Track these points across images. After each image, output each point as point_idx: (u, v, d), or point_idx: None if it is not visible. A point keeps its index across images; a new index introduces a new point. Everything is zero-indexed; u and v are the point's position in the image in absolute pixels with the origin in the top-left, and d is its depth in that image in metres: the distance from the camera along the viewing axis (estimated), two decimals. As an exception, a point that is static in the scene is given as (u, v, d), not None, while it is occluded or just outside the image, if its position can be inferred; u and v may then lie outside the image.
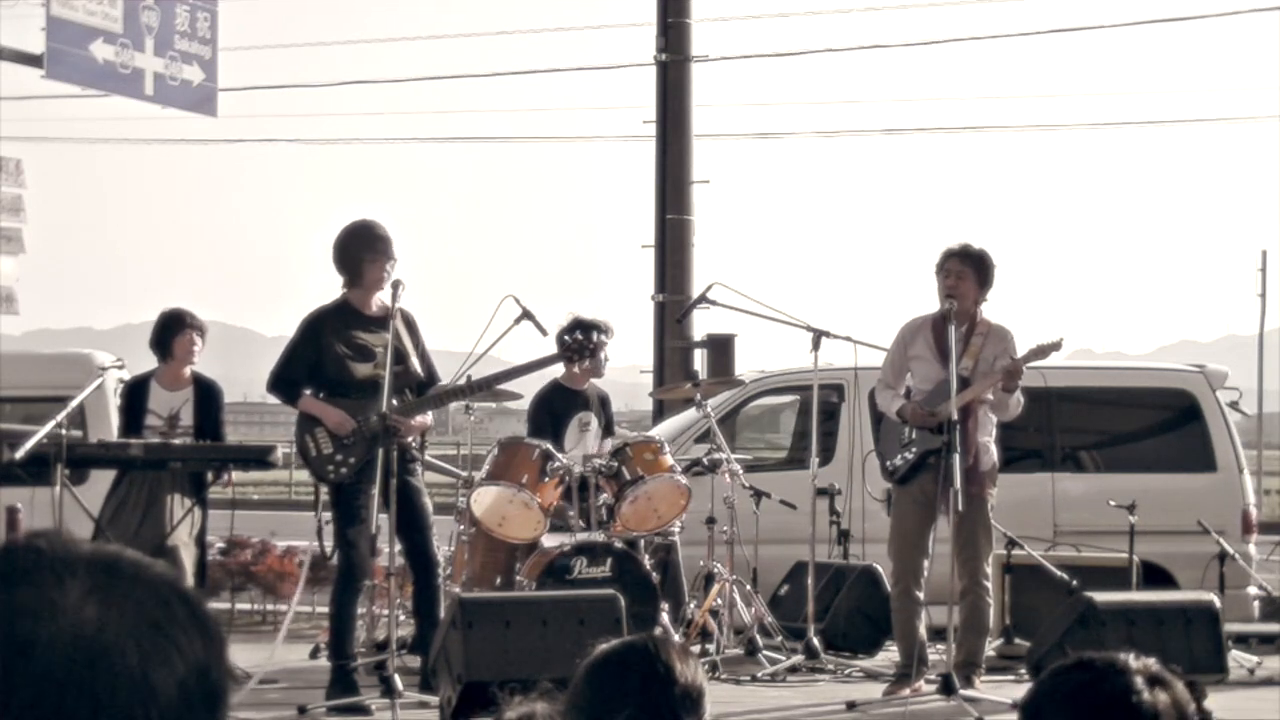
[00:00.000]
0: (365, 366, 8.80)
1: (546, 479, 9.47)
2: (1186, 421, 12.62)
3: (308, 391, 8.86)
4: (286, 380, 8.97)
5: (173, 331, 9.76)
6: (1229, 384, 12.95)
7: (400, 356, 8.82)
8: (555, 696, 2.64)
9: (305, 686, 9.07)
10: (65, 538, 1.37)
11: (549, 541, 9.47)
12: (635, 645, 2.79)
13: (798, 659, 9.89)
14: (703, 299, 11.06)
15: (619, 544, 9.41)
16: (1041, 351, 9.29)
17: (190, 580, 8.95)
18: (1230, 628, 9.62)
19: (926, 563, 9.19)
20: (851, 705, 8.74)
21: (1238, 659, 9.85)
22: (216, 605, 11.58)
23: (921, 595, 9.15)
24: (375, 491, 8.46)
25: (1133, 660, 2.28)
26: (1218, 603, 8.97)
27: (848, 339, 10.52)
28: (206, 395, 9.74)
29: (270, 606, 12.49)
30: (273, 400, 10.17)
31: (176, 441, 9.41)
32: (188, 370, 9.77)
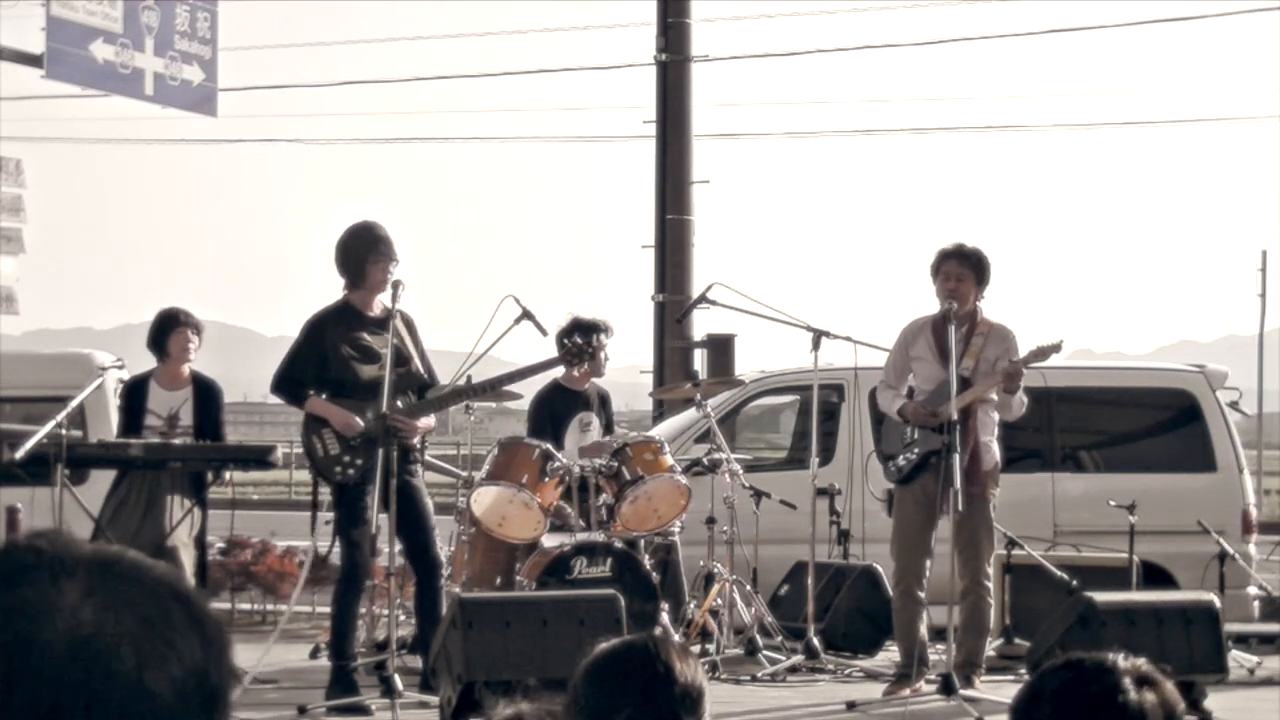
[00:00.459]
0: (370, 368, 8.81)
1: (546, 479, 9.47)
2: (1186, 421, 12.62)
3: (312, 393, 8.86)
4: (291, 381, 8.97)
5: (168, 330, 9.76)
6: (1229, 384, 12.95)
7: (403, 358, 8.82)
8: (540, 695, 2.63)
9: (305, 686, 9.07)
10: (66, 538, 1.37)
11: (549, 541, 9.47)
12: (635, 645, 2.79)
13: (798, 659, 9.89)
14: (703, 299, 11.06)
15: (619, 544, 9.41)
16: (1042, 353, 9.30)
17: (190, 580, 8.94)
18: (1230, 628, 9.61)
19: (928, 563, 9.19)
20: (851, 705, 8.75)
21: (1238, 659, 9.84)
22: (216, 605, 11.58)
23: (923, 595, 9.16)
24: (375, 491, 8.46)
25: (1121, 660, 2.29)
26: (1218, 603, 8.96)
27: (848, 339, 10.53)
28: (206, 395, 9.74)
29: (270, 606, 12.48)
30: (273, 400, 10.18)
31: (176, 441, 9.42)
32: (187, 370, 9.77)
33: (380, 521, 8.59)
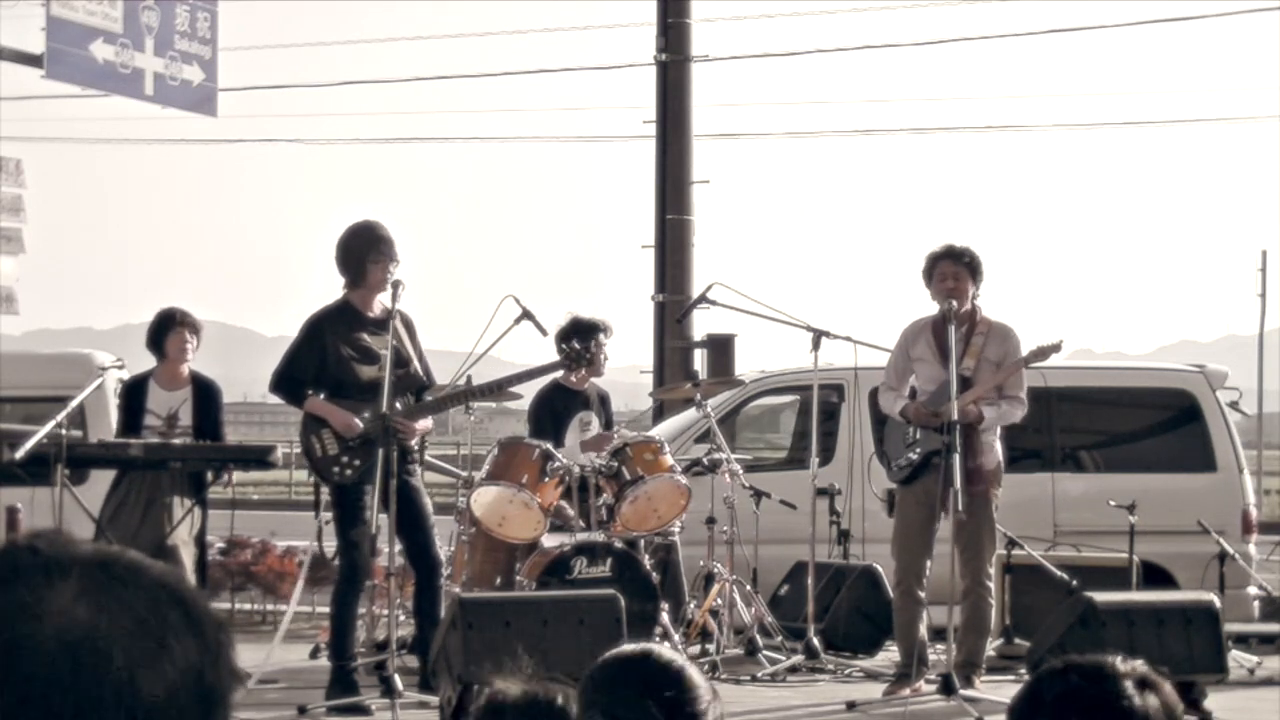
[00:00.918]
0: (370, 369, 8.80)
1: (546, 479, 9.47)
2: (1186, 421, 12.62)
3: (311, 392, 8.86)
4: (290, 380, 8.96)
5: (165, 331, 9.77)
6: (1229, 384, 12.95)
7: (403, 359, 8.82)
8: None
9: (305, 686, 9.07)
10: (65, 539, 1.37)
11: (549, 541, 9.47)
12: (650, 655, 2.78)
13: (798, 659, 9.89)
14: (703, 299, 11.05)
15: (619, 544, 9.40)
16: (1042, 353, 9.30)
17: (191, 579, 8.94)
18: (1230, 628, 9.61)
19: (929, 563, 9.19)
20: (851, 705, 8.75)
21: (1238, 659, 9.84)
22: (216, 605, 11.57)
23: (923, 595, 9.16)
24: (375, 491, 8.46)
25: (1121, 663, 2.27)
26: (1218, 603, 8.96)
27: (848, 339, 10.52)
28: (205, 395, 9.75)
29: (270, 606, 12.48)
30: (273, 400, 10.17)
31: (176, 441, 9.42)
32: (186, 370, 9.78)
33: (380, 521, 8.59)
